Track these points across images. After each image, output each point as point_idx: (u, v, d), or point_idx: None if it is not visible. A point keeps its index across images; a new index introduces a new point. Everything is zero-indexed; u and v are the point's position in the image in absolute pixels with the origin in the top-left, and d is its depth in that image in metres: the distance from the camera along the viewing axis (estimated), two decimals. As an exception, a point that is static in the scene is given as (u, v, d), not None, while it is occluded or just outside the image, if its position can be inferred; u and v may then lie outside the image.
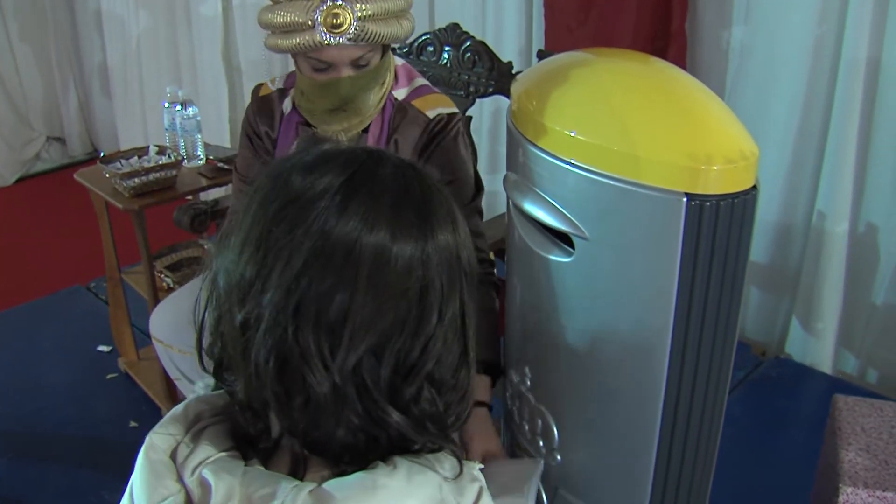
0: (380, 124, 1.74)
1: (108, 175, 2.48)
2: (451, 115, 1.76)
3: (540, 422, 1.50)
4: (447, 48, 2.22)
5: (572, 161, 1.24)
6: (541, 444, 1.51)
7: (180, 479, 0.80)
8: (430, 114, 1.74)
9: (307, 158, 0.81)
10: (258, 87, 1.87)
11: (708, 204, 1.16)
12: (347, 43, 1.55)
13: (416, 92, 1.78)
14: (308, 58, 1.61)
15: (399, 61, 1.83)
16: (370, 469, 0.79)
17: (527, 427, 1.55)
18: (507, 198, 1.47)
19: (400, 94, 1.77)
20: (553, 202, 1.30)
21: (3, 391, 2.94)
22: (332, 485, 0.77)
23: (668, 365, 1.27)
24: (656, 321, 1.25)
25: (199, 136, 2.69)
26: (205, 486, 0.78)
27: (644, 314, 1.27)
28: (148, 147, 2.67)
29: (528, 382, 1.52)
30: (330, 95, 1.64)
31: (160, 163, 2.53)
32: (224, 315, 0.80)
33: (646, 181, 1.18)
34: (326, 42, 1.54)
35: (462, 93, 2.20)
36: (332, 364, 0.75)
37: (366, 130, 1.74)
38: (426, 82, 1.82)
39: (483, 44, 2.15)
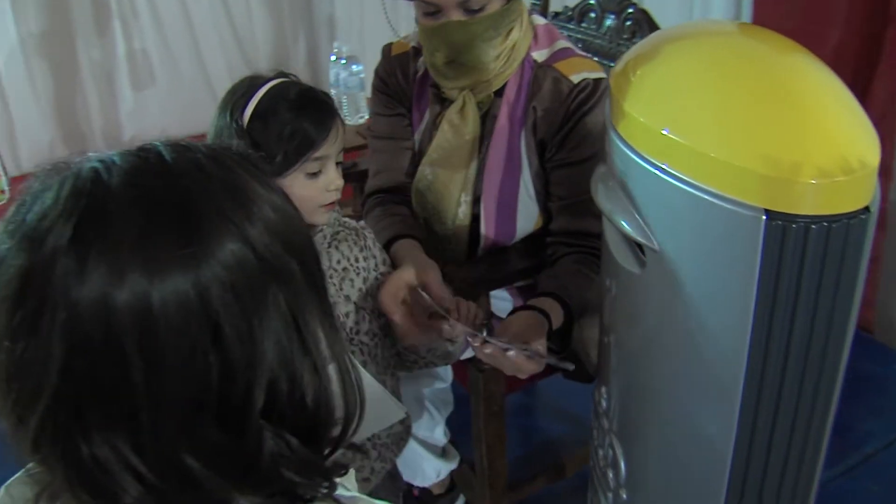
0: (516, 88, 1.58)
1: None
2: (598, 81, 1.55)
3: (612, 452, 1.31)
4: (610, 15, 2.00)
5: (643, 153, 1.04)
6: (610, 475, 1.32)
7: None
8: (575, 78, 1.54)
9: (27, 215, 0.60)
10: (389, 45, 1.78)
11: (794, 226, 0.92)
12: None
13: (559, 54, 1.59)
14: (418, 0, 1.49)
15: (541, 21, 1.65)
16: None
17: (600, 453, 1.36)
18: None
19: (540, 55, 1.58)
20: (627, 202, 1.10)
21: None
22: None
23: (740, 405, 1.05)
24: (728, 356, 1.03)
25: (362, 94, 2.60)
26: None
27: (714, 347, 1.05)
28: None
29: (604, 404, 1.33)
30: (440, 42, 1.51)
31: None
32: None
33: (719, 189, 0.95)
34: None
35: (622, 65, 1.97)
36: (143, 467, 0.59)
37: (499, 94, 1.59)
38: (570, 44, 1.62)
39: (645, 12, 1.91)
